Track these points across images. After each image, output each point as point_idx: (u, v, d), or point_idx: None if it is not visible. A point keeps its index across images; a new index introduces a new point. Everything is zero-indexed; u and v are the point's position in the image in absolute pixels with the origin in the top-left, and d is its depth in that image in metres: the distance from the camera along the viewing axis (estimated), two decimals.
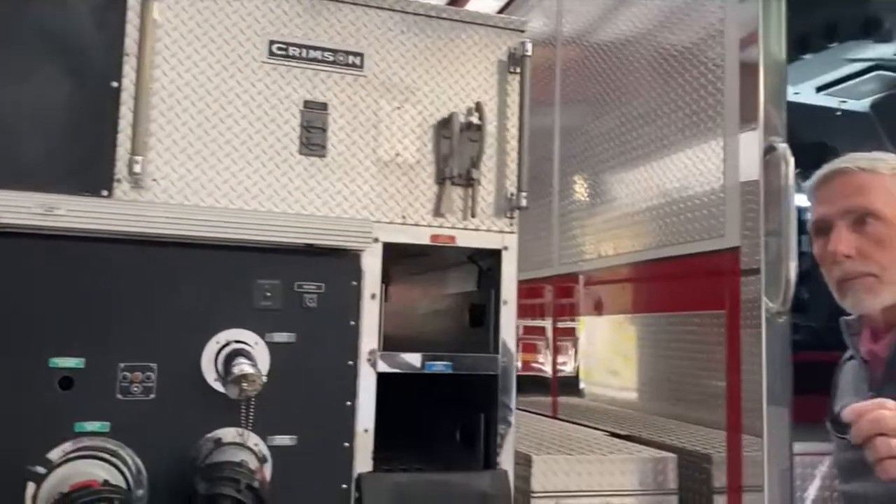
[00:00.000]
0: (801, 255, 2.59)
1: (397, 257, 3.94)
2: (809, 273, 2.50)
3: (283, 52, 2.51)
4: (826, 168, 1.67)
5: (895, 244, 1.52)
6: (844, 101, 5.09)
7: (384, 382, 4.06)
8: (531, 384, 4.62)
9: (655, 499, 2.83)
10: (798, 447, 2.68)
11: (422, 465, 2.94)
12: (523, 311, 4.80)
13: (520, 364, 5.17)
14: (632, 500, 2.80)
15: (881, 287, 1.54)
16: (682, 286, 3.33)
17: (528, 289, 4.65)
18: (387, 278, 4.40)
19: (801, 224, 2.63)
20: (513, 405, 2.70)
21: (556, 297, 4.46)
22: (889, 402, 1.29)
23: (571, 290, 4.33)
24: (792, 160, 2.60)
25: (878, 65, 4.55)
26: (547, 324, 4.53)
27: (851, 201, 1.56)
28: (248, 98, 2.48)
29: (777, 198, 2.62)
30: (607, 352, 4.06)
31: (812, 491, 2.82)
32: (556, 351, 4.41)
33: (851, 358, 1.78)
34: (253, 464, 2.24)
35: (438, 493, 2.54)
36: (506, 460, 2.67)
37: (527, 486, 2.69)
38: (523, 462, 2.72)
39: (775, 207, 2.62)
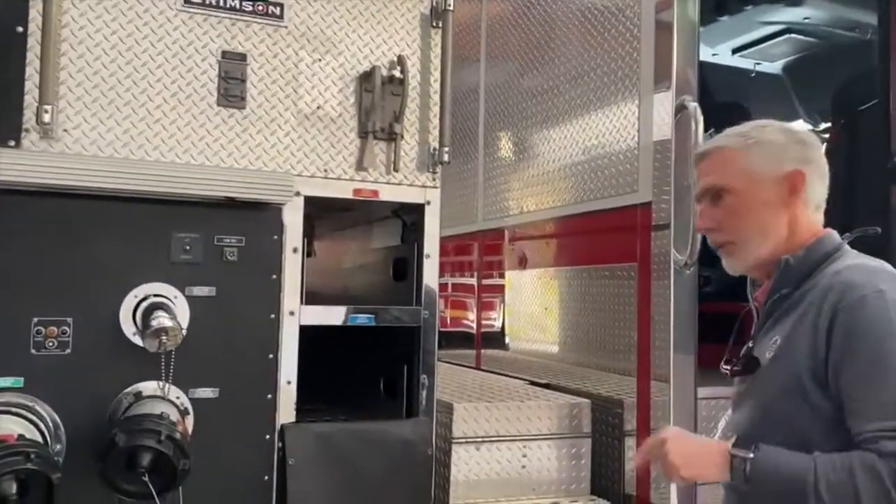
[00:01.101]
0: None
1: (323, 212, 3.95)
2: None
3: (200, 1, 2.45)
4: (700, 147, 1.76)
5: (747, 211, 1.63)
6: (759, 63, 5.29)
7: (310, 336, 4.12)
8: (457, 338, 4.73)
9: (570, 441, 2.97)
10: (703, 392, 2.83)
11: (347, 416, 3.01)
12: (450, 268, 4.89)
13: (448, 319, 5.28)
14: (548, 443, 2.93)
15: (741, 250, 1.66)
16: (599, 240, 3.45)
17: (453, 245, 4.73)
18: (312, 233, 4.42)
19: None
20: (435, 356, 2.77)
21: (481, 253, 4.54)
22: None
23: (496, 245, 4.42)
24: (701, 119, 2.71)
25: (790, 28, 4.73)
26: (472, 279, 4.62)
27: (710, 180, 1.69)
28: (163, 47, 2.41)
29: (688, 155, 2.73)
30: (530, 305, 4.17)
31: (718, 432, 3.00)
32: (481, 306, 4.51)
33: None
34: (174, 416, 2.24)
35: (361, 441, 2.60)
36: (427, 409, 2.75)
37: (448, 433, 2.78)
38: (445, 410, 2.81)
39: (685, 165, 2.73)
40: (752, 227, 1.63)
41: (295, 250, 2.56)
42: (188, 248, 2.40)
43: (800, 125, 5.06)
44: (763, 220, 1.62)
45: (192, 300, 2.40)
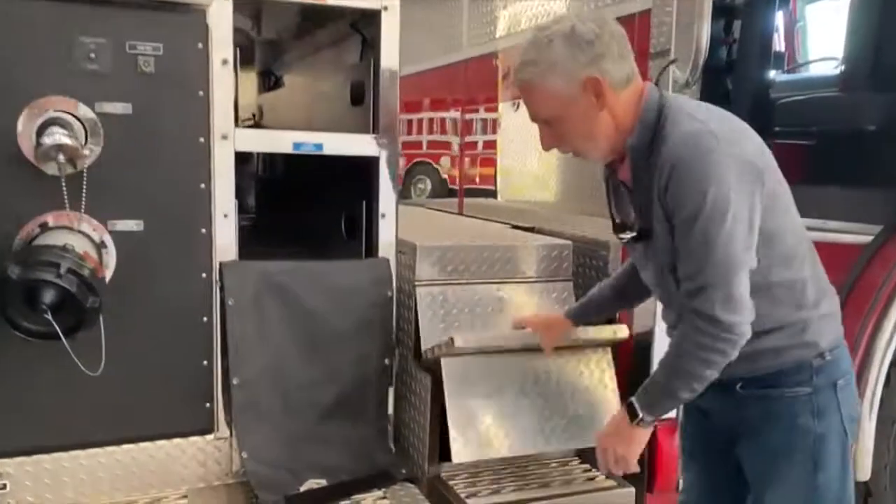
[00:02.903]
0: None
1: (286, 35, 3.53)
2: None
3: None
4: (510, 75, 1.85)
5: (573, 128, 1.71)
6: None
7: (272, 173, 3.81)
8: (438, 184, 4.39)
9: (551, 285, 2.70)
10: None
11: (299, 255, 2.75)
12: (431, 107, 4.48)
13: (429, 162, 4.93)
14: (526, 286, 2.66)
15: (586, 155, 1.80)
16: None
17: (434, 79, 4.30)
18: (281, 62, 4.02)
19: None
20: (394, 191, 2.46)
21: (465, 87, 4.11)
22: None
23: (484, 77, 3.98)
24: None
25: None
26: (455, 115, 4.22)
27: (531, 112, 1.76)
28: None
29: None
30: (523, 149, 3.80)
31: None
32: (465, 147, 4.15)
33: None
34: (84, 249, 1.98)
35: (310, 281, 2.34)
36: (386, 248, 2.47)
37: (412, 275, 2.51)
38: (409, 251, 2.53)
39: None
40: (582, 137, 1.73)
41: (225, 62, 2.19)
42: (94, 55, 2.04)
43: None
44: (588, 129, 1.71)
45: (104, 118, 2.07)
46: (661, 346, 2.46)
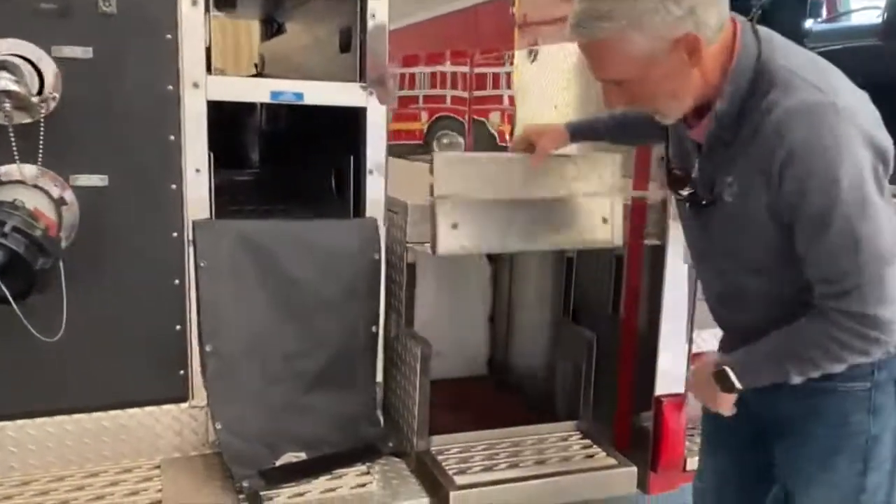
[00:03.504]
0: None
1: None
2: None
3: None
4: (572, 31, 1.45)
5: (652, 90, 1.45)
6: None
7: (276, 128, 3.62)
8: (486, 139, 4.17)
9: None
10: None
11: (283, 214, 2.60)
12: (435, 60, 4.26)
13: (454, 116, 4.72)
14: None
15: (662, 115, 1.52)
16: None
17: (441, 28, 4.07)
18: (280, 11, 3.81)
19: None
20: (383, 145, 2.28)
21: (474, 38, 3.88)
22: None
23: (496, 26, 3.74)
24: None
25: None
26: (464, 69, 4.00)
27: (599, 76, 1.49)
28: None
29: None
30: (539, 105, 3.58)
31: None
32: (474, 102, 3.93)
33: None
34: (38, 205, 1.83)
35: (289, 242, 2.18)
36: (374, 207, 2.30)
37: (403, 236, 2.34)
38: (401, 210, 2.35)
39: None
40: (664, 97, 1.46)
41: (195, 2, 2.00)
42: None
43: None
44: (671, 89, 1.44)
45: (62, 63, 1.90)
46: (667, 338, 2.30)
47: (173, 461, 2.18)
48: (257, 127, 3.94)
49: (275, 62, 3.94)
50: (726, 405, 1.57)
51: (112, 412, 2.13)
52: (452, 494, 2.08)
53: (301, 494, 2.03)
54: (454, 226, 2.07)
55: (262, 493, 2.00)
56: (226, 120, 3.42)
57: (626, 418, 2.45)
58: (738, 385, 1.50)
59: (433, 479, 2.17)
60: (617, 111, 2.00)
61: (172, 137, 2.06)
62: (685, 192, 1.58)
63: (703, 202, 1.53)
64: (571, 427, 2.49)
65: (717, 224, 1.53)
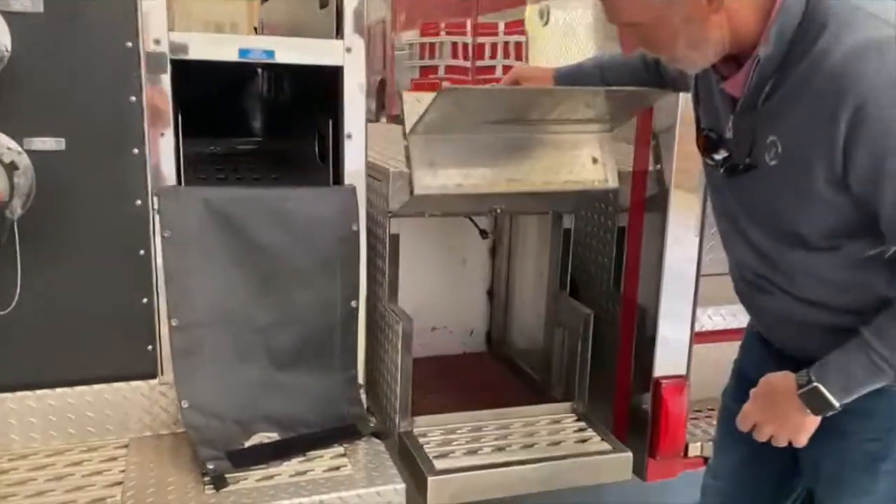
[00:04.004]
0: None
1: None
2: None
3: None
4: None
5: (670, 37, 1.30)
6: None
7: (279, 94, 3.48)
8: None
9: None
10: None
11: (258, 181, 2.47)
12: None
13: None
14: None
15: (683, 64, 1.39)
16: None
17: None
18: None
19: None
20: (361, 107, 2.12)
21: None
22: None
23: None
24: None
25: None
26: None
27: (609, 19, 1.37)
28: None
29: None
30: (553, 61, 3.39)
31: None
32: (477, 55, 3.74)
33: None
34: None
35: (260, 211, 2.04)
36: (354, 175, 2.15)
37: (385, 204, 2.20)
38: (383, 178, 2.21)
39: None
40: (680, 47, 1.31)
41: None
42: None
43: None
44: (689, 38, 1.29)
45: (9, 17, 1.78)
46: (668, 315, 2.14)
47: (143, 440, 2.09)
48: (252, 93, 3.80)
49: (271, 26, 3.79)
50: (809, 432, 1.35)
51: (77, 388, 2.03)
52: (430, 480, 1.96)
53: (270, 477, 1.92)
54: (431, 164, 1.93)
55: (229, 476, 1.90)
56: (219, 87, 3.31)
57: (625, 400, 2.30)
58: (836, 404, 1.29)
59: (413, 463, 2.05)
60: (604, 56, 1.84)
61: (133, 98, 1.93)
62: (719, 157, 1.40)
63: (740, 166, 1.34)
64: (566, 409, 2.35)
65: (755, 192, 1.35)
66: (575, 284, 2.51)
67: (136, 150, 1.96)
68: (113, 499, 1.81)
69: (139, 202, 1.98)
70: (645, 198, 2.19)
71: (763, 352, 1.52)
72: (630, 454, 2.12)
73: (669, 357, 2.17)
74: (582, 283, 2.51)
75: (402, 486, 1.92)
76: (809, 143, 1.21)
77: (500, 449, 2.12)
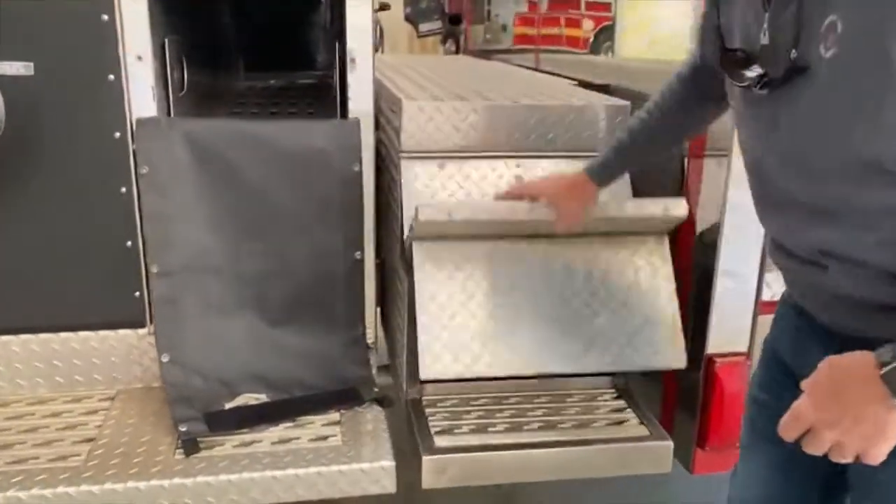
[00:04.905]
0: None
1: None
2: None
3: None
4: None
5: None
6: None
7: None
8: None
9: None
10: None
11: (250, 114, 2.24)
12: None
13: None
14: (558, 162, 1.99)
15: None
16: None
17: None
18: None
19: None
20: (367, 30, 1.83)
21: None
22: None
23: None
24: None
25: None
26: None
27: None
28: None
29: None
30: None
31: None
32: None
33: None
34: None
35: (250, 147, 1.81)
36: (360, 108, 1.88)
37: (396, 142, 1.92)
38: (396, 110, 1.92)
39: None
40: None
41: None
42: None
43: None
44: None
45: None
46: (726, 278, 1.75)
47: (130, 393, 1.95)
48: (315, 25, 3.58)
49: None
50: (893, 438, 0.94)
51: (62, 335, 1.90)
52: (426, 459, 1.70)
53: (248, 444, 1.73)
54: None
55: (205, 440, 1.72)
56: (283, 19, 3.10)
57: (674, 377, 1.95)
58: None
59: (411, 438, 1.80)
60: (642, 114, 1.50)
61: (105, 17, 1.72)
62: (753, 73, 1.04)
63: (783, 73, 0.98)
64: (605, 382, 2.02)
65: (805, 109, 0.98)
66: None
67: (111, 77, 1.76)
68: (77, 457, 1.67)
69: (118, 134, 1.79)
70: (705, 138, 1.80)
71: (806, 329, 1.16)
72: (670, 443, 1.79)
73: (727, 330, 1.80)
74: None
75: (390, 464, 1.68)
76: (889, 10, 0.83)
77: (516, 428, 1.83)
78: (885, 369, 0.91)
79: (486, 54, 4.63)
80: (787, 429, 1.01)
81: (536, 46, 3.66)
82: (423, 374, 1.72)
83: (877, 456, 0.94)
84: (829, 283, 1.06)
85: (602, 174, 1.63)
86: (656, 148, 1.59)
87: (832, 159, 0.95)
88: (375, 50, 1.96)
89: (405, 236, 1.80)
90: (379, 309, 2.16)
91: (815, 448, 0.99)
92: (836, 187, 0.97)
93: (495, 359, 1.73)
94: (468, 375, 1.74)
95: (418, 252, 1.76)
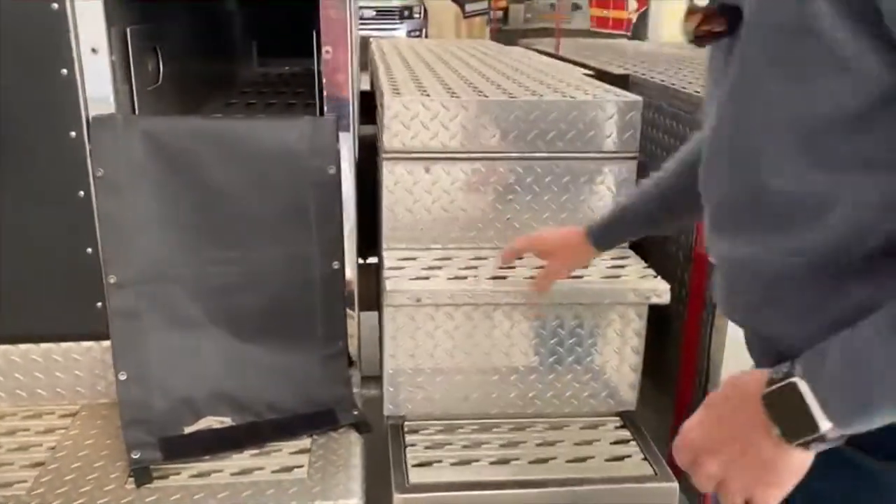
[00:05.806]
0: None
1: None
2: None
3: None
4: None
5: None
6: None
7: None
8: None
9: (599, 166, 1.79)
10: None
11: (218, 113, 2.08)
12: None
13: None
14: (558, 164, 1.79)
15: None
16: None
17: None
18: None
19: None
20: (342, 16, 1.65)
21: None
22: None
23: None
24: None
25: None
26: None
27: None
28: None
29: None
30: None
31: None
32: None
33: None
34: None
35: (215, 146, 1.65)
36: (336, 102, 1.70)
37: (381, 143, 1.74)
38: (378, 106, 1.74)
39: None
40: None
41: None
42: None
43: None
44: None
45: None
46: None
47: (94, 409, 1.82)
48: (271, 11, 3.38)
49: None
50: (784, 483, 0.76)
51: (22, 346, 1.78)
52: (397, 498, 1.54)
53: (206, 474, 1.58)
54: None
55: (160, 468, 1.58)
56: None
57: (686, 407, 1.75)
58: (824, 424, 0.72)
59: (385, 470, 1.64)
60: (651, 180, 1.32)
61: (55, 6, 1.57)
62: (719, 28, 0.85)
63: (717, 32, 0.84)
64: (610, 409, 1.82)
65: (734, 74, 0.84)
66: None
67: (64, 71, 1.61)
68: (22, 485, 1.54)
69: (74, 134, 1.65)
70: None
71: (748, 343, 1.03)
72: (676, 485, 1.59)
73: (742, 359, 1.59)
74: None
75: (356, 503, 1.51)
76: None
77: (503, 462, 1.65)
78: (766, 390, 0.75)
79: (519, 35, 4.44)
80: (676, 456, 0.86)
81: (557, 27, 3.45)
82: (386, 409, 1.56)
83: (765, 501, 0.77)
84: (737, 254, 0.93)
85: (603, 238, 1.44)
86: (668, 216, 1.36)
87: (760, 128, 0.83)
88: (419, 33, 1.79)
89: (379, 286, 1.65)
90: (378, 311, 2.00)
91: (699, 480, 0.82)
92: (760, 155, 0.84)
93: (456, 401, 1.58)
94: (435, 413, 1.60)
95: (389, 312, 1.61)
